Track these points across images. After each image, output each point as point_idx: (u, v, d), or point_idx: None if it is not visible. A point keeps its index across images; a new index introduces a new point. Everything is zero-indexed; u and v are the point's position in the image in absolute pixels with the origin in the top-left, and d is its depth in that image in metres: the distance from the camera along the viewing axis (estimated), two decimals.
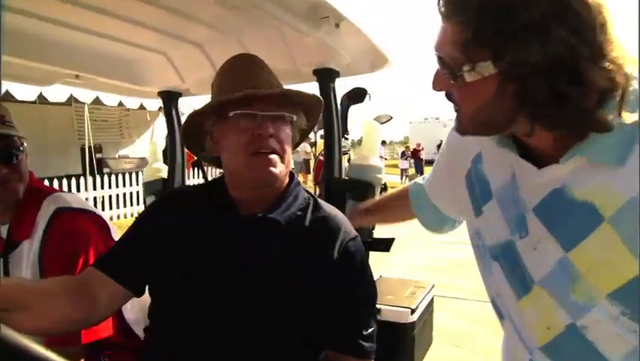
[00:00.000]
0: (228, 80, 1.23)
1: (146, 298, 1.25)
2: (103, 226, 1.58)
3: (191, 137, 1.32)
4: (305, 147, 15.90)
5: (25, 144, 1.51)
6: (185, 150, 2.49)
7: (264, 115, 1.16)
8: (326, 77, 1.94)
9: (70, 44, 1.92)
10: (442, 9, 0.80)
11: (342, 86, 2.12)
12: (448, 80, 0.84)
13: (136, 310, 1.57)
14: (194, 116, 1.26)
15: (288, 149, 1.22)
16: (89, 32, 1.78)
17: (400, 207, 1.56)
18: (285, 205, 1.22)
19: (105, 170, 11.10)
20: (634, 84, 0.75)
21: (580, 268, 0.83)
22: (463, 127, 0.91)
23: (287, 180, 1.27)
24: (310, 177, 15.87)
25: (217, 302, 1.13)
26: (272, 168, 1.17)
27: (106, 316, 1.28)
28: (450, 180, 1.20)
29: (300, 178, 17.97)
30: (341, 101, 2.49)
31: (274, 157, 1.17)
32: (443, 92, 0.90)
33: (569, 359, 0.92)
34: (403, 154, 23.55)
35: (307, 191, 1.33)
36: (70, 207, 1.51)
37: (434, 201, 1.36)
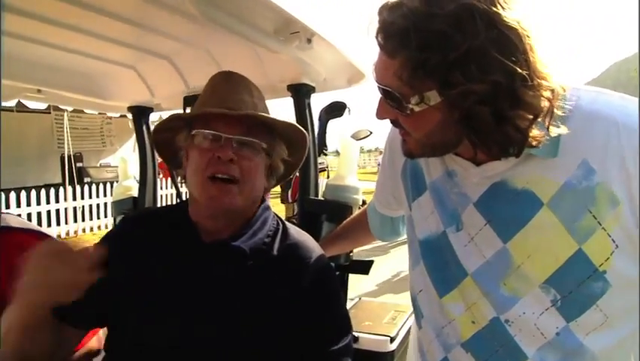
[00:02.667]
0: (207, 96, 1.15)
1: None
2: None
3: (165, 151, 1.25)
4: None
5: None
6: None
7: (228, 137, 1.07)
8: (301, 92, 1.86)
9: (32, 59, 1.83)
10: (384, 47, 0.82)
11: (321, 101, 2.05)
12: (393, 109, 0.86)
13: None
14: (159, 131, 1.19)
15: (253, 178, 1.12)
16: (54, 47, 1.70)
17: (361, 228, 1.54)
18: (250, 232, 1.14)
19: (86, 179, 10.85)
20: (560, 103, 0.80)
21: (517, 258, 0.88)
22: (411, 151, 0.94)
23: (254, 206, 1.18)
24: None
25: (173, 339, 1.04)
26: (226, 198, 1.07)
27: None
28: (390, 177, 1.24)
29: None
30: (319, 116, 2.42)
31: (231, 186, 1.08)
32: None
33: (489, 353, 0.95)
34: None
35: (277, 216, 1.25)
36: (9, 226, 1.40)
37: (380, 210, 1.40)
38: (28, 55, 1.79)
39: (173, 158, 1.24)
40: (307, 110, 1.87)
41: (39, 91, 2.01)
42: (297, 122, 1.87)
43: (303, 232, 1.24)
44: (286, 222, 1.24)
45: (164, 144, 1.22)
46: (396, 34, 0.78)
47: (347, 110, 2.41)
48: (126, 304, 1.10)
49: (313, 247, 1.19)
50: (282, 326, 1.06)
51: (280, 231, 1.19)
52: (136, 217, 1.34)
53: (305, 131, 1.22)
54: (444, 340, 1.03)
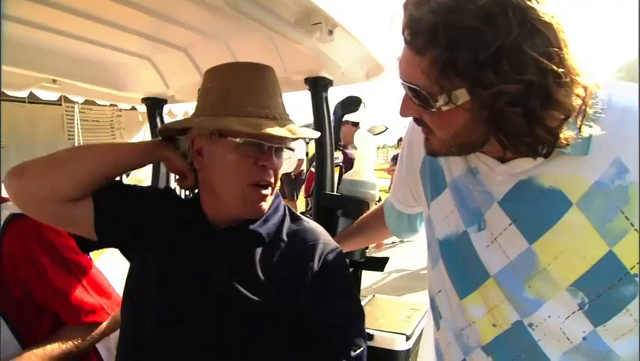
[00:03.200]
0: (238, 95, 1.10)
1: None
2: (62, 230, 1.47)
3: (166, 132, 1.23)
4: (301, 154, 15.78)
5: None
6: None
7: (271, 147, 1.09)
8: (318, 86, 1.84)
9: (49, 48, 1.82)
10: (411, 43, 0.78)
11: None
12: (418, 107, 0.83)
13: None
14: (190, 120, 1.16)
15: (277, 181, 1.17)
16: (69, 36, 1.69)
17: (378, 224, 1.51)
18: (264, 217, 1.16)
19: None
20: (593, 101, 0.77)
21: (543, 260, 0.85)
22: (435, 150, 0.91)
23: None
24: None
25: (193, 318, 1.06)
26: (263, 203, 1.12)
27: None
28: (409, 174, 1.21)
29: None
30: (334, 110, 2.39)
31: (267, 192, 1.12)
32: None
33: (511, 358, 0.92)
34: (395, 158, 23.56)
35: (283, 204, 1.27)
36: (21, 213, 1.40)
37: (398, 207, 1.37)
38: (44, 44, 1.78)
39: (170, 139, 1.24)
40: (325, 104, 1.85)
41: (54, 81, 2.00)
42: (314, 116, 1.85)
43: (310, 219, 1.26)
44: (293, 210, 1.27)
45: (173, 129, 1.21)
46: (425, 31, 0.74)
47: (362, 105, 2.38)
48: (145, 274, 1.14)
49: (320, 231, 1.21)
50: (293, 307, 1.07)
51: (288, 217, 1.22)
52: (163, 193, 1.33)
53: (316, 135, 1.26)
54: (463, 342, 1.00)
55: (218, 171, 1.11)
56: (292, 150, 1.17)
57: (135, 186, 1.25)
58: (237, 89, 1.11)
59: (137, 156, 1.19)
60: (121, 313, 1.18)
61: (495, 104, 0.74)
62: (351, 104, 2.36)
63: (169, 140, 1.23)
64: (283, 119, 1.12)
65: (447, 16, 0.71)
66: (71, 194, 1.10)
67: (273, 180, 1.13)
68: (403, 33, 0.79)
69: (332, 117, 2.00)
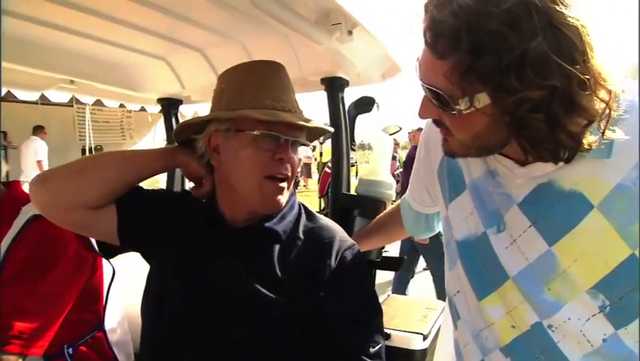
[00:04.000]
0: (254, 89, 1.12)
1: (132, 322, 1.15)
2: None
3: (182, 134, 1.24)
4: (306, 151, 15.87)
5: None
6: None
7: (287, 139, 1.10)
8: (335, 86, 1.84)
9: (65, 49, 1.84)
10: (433, 47, 0.77)
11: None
12: (437, 109, 0.82)
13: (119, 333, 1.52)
14: (207, 116, 1.16)
15: (295, 174, 1.17)
16: (86, 36, 1.71)
17: (395, 223, 1.51)
18: (280, 215, 1.16)
19: None
20: (617, 104, 0.76)
21: (563, 262, 0.84)
22: (453, 151, 0.90)
23: None
24: (310, 181, 15.75)
25: (213, 318, 1.07)
26: (280, 197, 1.12)
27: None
28: (426, 175, 1.21)
29: (302, 182, 18.08)
30: (348, 111, 2.39)
31: (285, 185, 1.12)
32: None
33: (530, 359, 0.91)
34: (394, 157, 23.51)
35: (299, 202, 1.27)
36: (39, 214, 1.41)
37: (415, 207, 1.36)
38: (62, 45, 1.80)
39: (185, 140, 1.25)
40: (341, 105, 1.86)
41: (72, 82, 2.02)
42: (330, 116, 1.85)
43: (325, 217, 1.27)
44: (309, 207, 1.27)
45: (189, 127, 1.21)
46: (447, 35, 0.73)
47: (376, 105, 2.38)
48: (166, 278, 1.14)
49: (336, 228, 1.21)
50: (311, 304, 1.07)
51: (304, 214, 1.22)
52: (180, 196, 1.36)
53: (332, 130, 1.27)
54: (481, 343, 0.99)
55: (236, 166, 1.11)
56: (307, 145, 1.19)
57: (155, 191, 1.27)
58: (252, 85, 1.12)
59: (157, 162, 1.21)
60: (141, 315, 1.18)
61: (517, 110, 0.73)
62: (365, 104, 2.36)
63: (185, 145, 1.23)
64: (298, 113, 1.14)
65: (470, 19, 0.70)
66: (95, 201, 1.13)
67: (290, 173, 1.13)
68: (425, 35, 0.78)
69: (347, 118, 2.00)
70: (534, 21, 0.67)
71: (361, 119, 2.51)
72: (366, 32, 1.38)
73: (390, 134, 2.74)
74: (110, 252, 1.24)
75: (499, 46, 0.69)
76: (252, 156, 1.08)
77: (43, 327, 1.28)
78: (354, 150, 2.21)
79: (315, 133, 1.27)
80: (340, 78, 1.82)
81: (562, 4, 0.69)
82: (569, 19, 0.68)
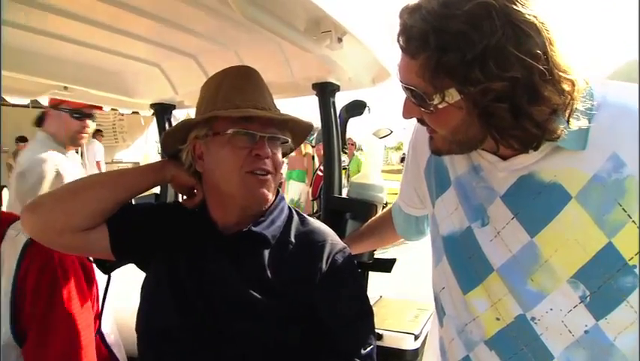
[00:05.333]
0: (226, 93, 1.16)
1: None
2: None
3: (169, 146, 1.27)
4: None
5: None
6: None
7: (263, 136, 1.13)
8: (326, 91, 1.87)
9: (59, 56, 1.85)
10: (405, 48, 0.84)
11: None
12: (417, 108, 0.89)
13: (112, 338, 1.54)
14: (184, 125, 1.20)
15: (280, 171, 1.20)
16: (79, 44, 1.72)
17: (386, 227, 1.54)
18: (269, 220, 1.19)
19: None
20: (583, 96, 0.81)
21: (545, 252, 0.88)
22: (439, 148, 0.95)
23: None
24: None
25: (206, 324, 1.08)
26: (264, 190, 1.14)
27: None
28: (414, 176, 1.25)
29: None
30: (339, 114, 2.42)
31: (268, 177, 1.15)
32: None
33: (514, 352, 0.94)
34: (403, 160, 23.76)
35: (289, 206, 1.30)
36: None
37: (405, 209, 1.40)
38: (55, 52, 1.81)
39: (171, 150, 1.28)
40: (332, 109, 1.88)
41: (65, 88, 2.03)
42: (322, 120, 1.88)
43: (317, 220, 1.28)
44: (300, 212, 1.29)
45: (176, 136, 1.23)
46: (417, 37, 0.80)
47: (367, 108, 2.41)
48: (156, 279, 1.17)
49: (328, 231, 1.23)
50: (303, 307, 1.10)
51: (295, 219, 1.24)
52: (170, 206, 1.38)
53: (310, 123, 1.28)
54: (466, 337, 1.02)
55: (218, 167, 1.15)
56: (287, 141, 1.21)
57: (145, 205, 1.29)
58: (225, 89, 1.17)
59: (146, 178, 1.22)
60: (136, 325, 1.20)
61: (483, 101, 0.78)
62: (356, 108, 2.39)
63: (175, 158, 1.26)
64: (271, 109, 1.17)
65: (436, 22, 0.78)
66: (85, 224, 1.13)
67: (270, 168, 1.15)
68: (398, 40, 0.85)
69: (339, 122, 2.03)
70: (493, 20, 0.74)
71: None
72: (355, 39, 1.41)
73: (381, 138, 2.76)
74: (107, 267, 1.25)
75: (463, 43, 0.75)
76: (230, 155, 1.12)
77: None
78: (345, 152, 2.24)
79: (302, 131, 1.29)
80: (331, 83, 1.85)
81: (519, 3, 0.75)
82: (526, 16, 0.74)
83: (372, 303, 2.14)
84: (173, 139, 1.24)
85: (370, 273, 1.88)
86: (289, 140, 1.22)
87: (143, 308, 1.19)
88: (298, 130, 1.28)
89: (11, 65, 1.69)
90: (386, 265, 1.92)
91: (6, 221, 1.34)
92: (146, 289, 1.21)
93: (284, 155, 1.32)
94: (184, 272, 1.14)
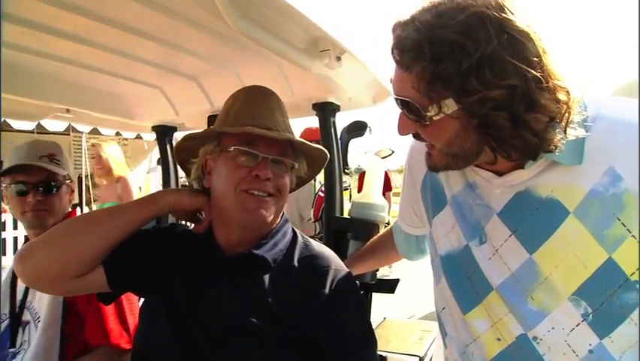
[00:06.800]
0: (238, 111, 1.16)
1: None
2: None
3: (182, 159, 1.26)
4: None
5: (67, 182, 1.68)
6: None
7: (265, 157, 1.11)
8: (326, 111, 1.88)
9: (62, 79, 1.88)
10: (399, 61, 0.84)
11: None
12: (413, 122, 0.88)
13: None
14: (190, 139, 1.19)
15: (285, 195, 1.17)
16: (82, 66, 1.74)
17: (388, 246, 1.53)
18: (272, 243, 1.17)
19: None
20: (578, 107, 0.81)
21: (544, 269, 0.86)
22: (436, 163, 0.94)
23: (277, 218, 1.21)
24: None
25: (206, 349, 1.05)
26: (263, 211, 1.12)
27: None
28: (411, 196, 1.25)
29: None
30: (340, 135, 2.42)
31: (267, 199, 1.12)
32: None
33: None
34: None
35: (294, 229, 1.28)
36: None
37: (405, 229, 1.39)
38: (57, 75, 1.84)
39: (184, 165, 1.28)
40: (332, 129, 1.88)
41: (68, 111, 2.05)
42: (322, 140, 1.88)
43: (321, 244, 1.26)
44: (304, 235, 1.27)
45: (188, 150, 1.23)
46: (411, 48, 0.80)
47: (368, 129, 2.41)
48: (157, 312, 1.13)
49: (332, 256, 1.21)
50: (304, 333, 1.07)
51: (299, 242, 1.22)
52: (167, 229, 1.34)
53: (327, 152, 1.25)
54: (468, 359, 1.00)
55: (219, 182, 1.14)
56: (294, 166, 1.18)
57: (138, 233, 1.19)
58: (238, 106, 1.17)
59: (141, 214, 1.16)
60: (133, 350, 1.18)
61: (481, 110, 0.78)
62: (358, 128, 2.40)
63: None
64: (280, 131, 1.14)
65: (430, 32, 0.77)
66: (81, 271, 1.10)
67: (272, 190, 1.13)
68: (392, 53, 0.85)
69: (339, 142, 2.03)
70: (488, 29, 0.74)
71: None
72: (354, 58, 1.42)
73: (383, 158, 2.77)
74: (107, 298, 1.22)
75: (458, 53, 0.75)
76: (230, 172, 1.11)
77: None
78: (347, 173, 2.23)
79: (318, 160, 1.27)
80: (331, 103, 1.86)
81: (512, 13, 0.75)
82: (521, 25, 0.75)
83: (376, 325, 2.12)
84: (187, 154, 1.23)
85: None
86: (296, 164, 1.19)
87: (139, 330, 1.17)
88: (314, 159, 1.25)
89: (14, 87, 1.71)
90: (389, 286, 1.89)
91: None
92: (144, 312, 1.19)
93: (299, 185, 1.31)
94: (180, 295, 1.11)
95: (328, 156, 1.27)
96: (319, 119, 1.90)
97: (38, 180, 1.56)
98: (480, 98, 0.76)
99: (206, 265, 1.15)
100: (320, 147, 1.24)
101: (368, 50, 1.48)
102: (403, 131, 0.93)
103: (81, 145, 10.16)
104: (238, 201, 1.10)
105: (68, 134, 10.61)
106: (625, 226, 0.80)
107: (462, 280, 1.00)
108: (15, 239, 8.53)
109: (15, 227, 8.39)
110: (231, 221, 1.14)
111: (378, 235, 1.67)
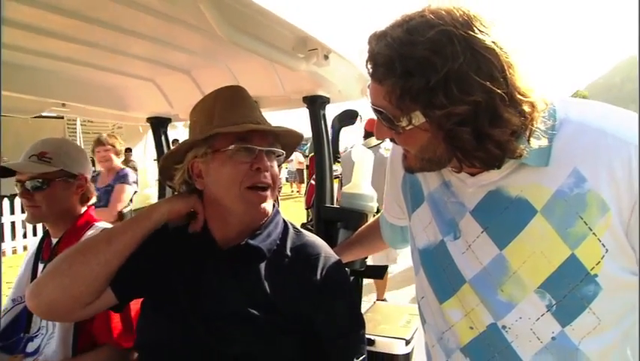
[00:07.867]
0: (221, 111, 1.20)
1: None
2: None
3: (168, 167, 1.29)
4: (298, 156, 15.97)
5: (64, 178, 1.71)
6: None
7: (261, 150, 1.17)
8: (316, 104, 1.93)
9: (57, 74, 1.91)
10: (373, 74, 0.89)
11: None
12: (388, 129, 0.93)
13: None
14: (184, 145, 1.22)
15: (277, 185, 1.23)
16: (76, 63, 1.77)
17: (375, 236, 1.59)
18: (266, 233, 1.22)
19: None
20: (543, 116, 0.86)
21: (513, 264, 0.92)
22: (411, 165, 0.99)
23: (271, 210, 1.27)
24: (303, 186, 15.83)
25: (205, 337, 1.11)
26: (264, 205, 1.18)
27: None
28: (393, 190, 1.30)
29: (295, 187, 18.07)
30: (332, 124, 2.47)
31: (267, 193, 1.18)
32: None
33: (487, 358, 0.98)
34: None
35: (284, 219, 1.33)
36: None
37: (390, 220, 1.44)
38: (53, 70, 1.87)
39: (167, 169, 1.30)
40: (322, 121, 1.93)
41: (64, 105, 2.08)
42: (313, 132, 1.93)
43: (312, 233, 1.32)
44: (295, 225, 1.33)
45: (174, 156, 1.26)
46: (383, 64, 0.85)
47: (359, 118, 2.46)
48: (158, 308, 1.19)
49: (322, 245, 1.27)
50: (299, 319, 1.13)
51: (290, 232, 1.27)
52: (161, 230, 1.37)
53: (301, 134, 1.32)
54: (445, 345, 1.07)
55: (219, 183, 1.18)
56: (282, 153, 1.25)
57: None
58: (220, 109, 1.21)
59: (139, 232, 1.18)
60: (136, 345, 1.23)
61: (447, 124, 0.83)
62: (348, 117, 2.44)
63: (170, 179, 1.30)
64: (267, 124, 1.22)
65: (400, 48, 0.82)
66: (92, 299, 1.14)
67: (270, 181, 1.19)
68: (367, 65, 0.90)
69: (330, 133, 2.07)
70: (455, 46, 0.78)
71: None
72: (340, 56, 1.46)
73: (371, 147, 2.81)
74: (116, 308, 1.24)
75: (426, 69, 0.79)
76: (231, 171, 1.16)
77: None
78: (338, 162, 2.29)
79: (291, 144, 1.33)
80: (321, 96, 1.91)
81: (479, 30, 0.79)
82: (486, 42, 0.79)
83: (367, 308, 2.20)
84: (172, 161, 1.27)
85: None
86: (283, 153, 1.26)
87: (140, 324, 1.23)
88: (289, 142, 1.31)
89: (11, 83, 1.74)
90: (378, 272, 1.97)
91: (91, 224, 1.72)
92: (145, 306, 1.23)
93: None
94: (181, 289, 1.16)
95: (303, 136, 1.34)
96: (309, 111, 1.95)
97: (26, 179, 1.66)
98: (446, 113, 0.81)
99: (205, 258, 1.19)
100: (300, 133, 1.31)
101: (354, 47, 1.52)
102: (379, 136, 0.99)
103: (76, 129, 10.16)
104: (243, 199, 1.16)
105: (62, 118, 10.59)
106: (587, 224, 0.85)
107: (438, 272, 1.07)
108: (12, 224, 8.59)
109: (12, 212, 8.45)
110: (232, 217, 1.20)
111: (366, 224, 1.74)
